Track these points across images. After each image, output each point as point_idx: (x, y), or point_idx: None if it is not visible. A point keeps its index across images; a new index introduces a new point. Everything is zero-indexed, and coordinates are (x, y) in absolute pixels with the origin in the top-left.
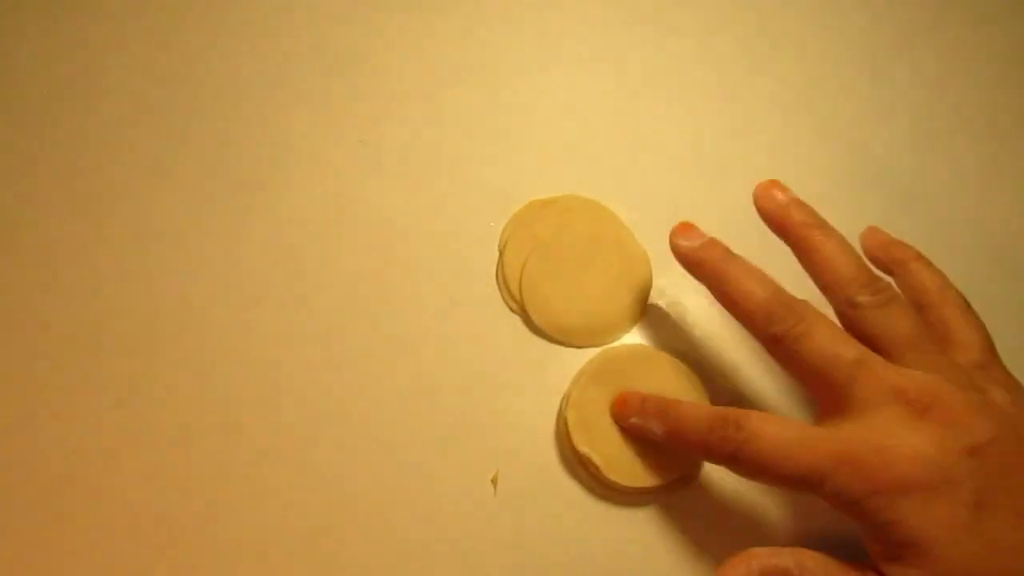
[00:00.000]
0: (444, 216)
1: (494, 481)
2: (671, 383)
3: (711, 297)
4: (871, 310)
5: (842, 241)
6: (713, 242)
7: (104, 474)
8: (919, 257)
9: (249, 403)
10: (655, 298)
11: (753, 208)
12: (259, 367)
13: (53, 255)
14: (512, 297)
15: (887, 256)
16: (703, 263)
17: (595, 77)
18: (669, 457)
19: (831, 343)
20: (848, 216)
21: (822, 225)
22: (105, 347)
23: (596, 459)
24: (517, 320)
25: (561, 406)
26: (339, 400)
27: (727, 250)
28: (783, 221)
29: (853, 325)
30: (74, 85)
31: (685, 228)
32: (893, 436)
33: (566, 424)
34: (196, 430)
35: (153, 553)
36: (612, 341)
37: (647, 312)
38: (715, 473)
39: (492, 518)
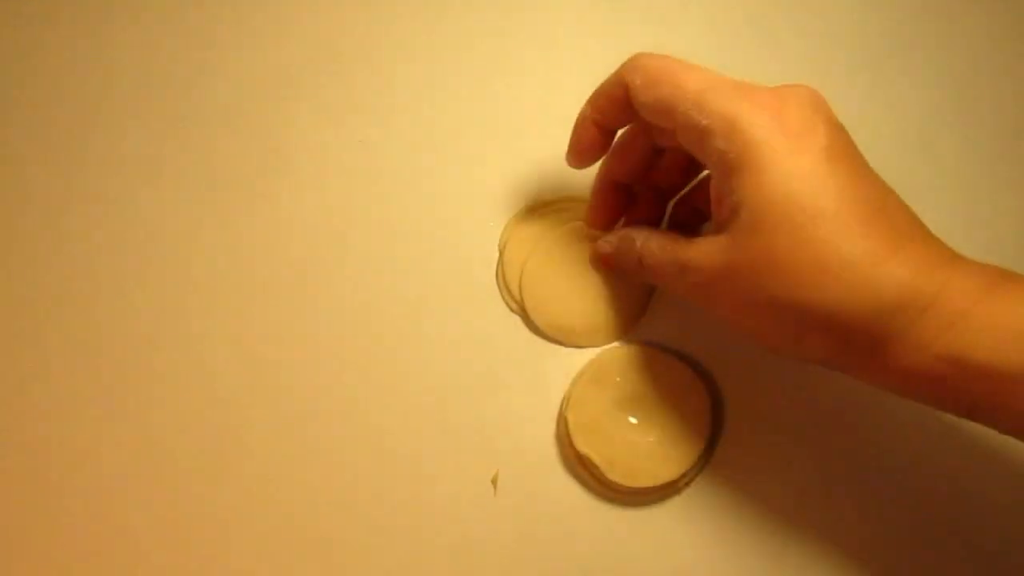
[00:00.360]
0: (444, 216)
1: (494, 481)
2: (671, 383)
3: None
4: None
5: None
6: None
7: (104, 474)
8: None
9: (248, 403)
10: (655, 298)
11: None
12: (258, 367)
13: (53, 256)
14: (512, 297)
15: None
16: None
17: (596, 78)
18: (669, 457)
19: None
20: None
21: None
22: (106, 348)
23: (596, 459)
24: (517, 320)
25: (561, 407)
26: (339, 400)
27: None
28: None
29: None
30: (74, 86)
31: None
32: (779, 90)
33: (566, 424)
34: (196, 431)
35: (152, 555)
36: (612, 341)
37: (647, 312)
38: (716, 473)
39: (492, 518)
